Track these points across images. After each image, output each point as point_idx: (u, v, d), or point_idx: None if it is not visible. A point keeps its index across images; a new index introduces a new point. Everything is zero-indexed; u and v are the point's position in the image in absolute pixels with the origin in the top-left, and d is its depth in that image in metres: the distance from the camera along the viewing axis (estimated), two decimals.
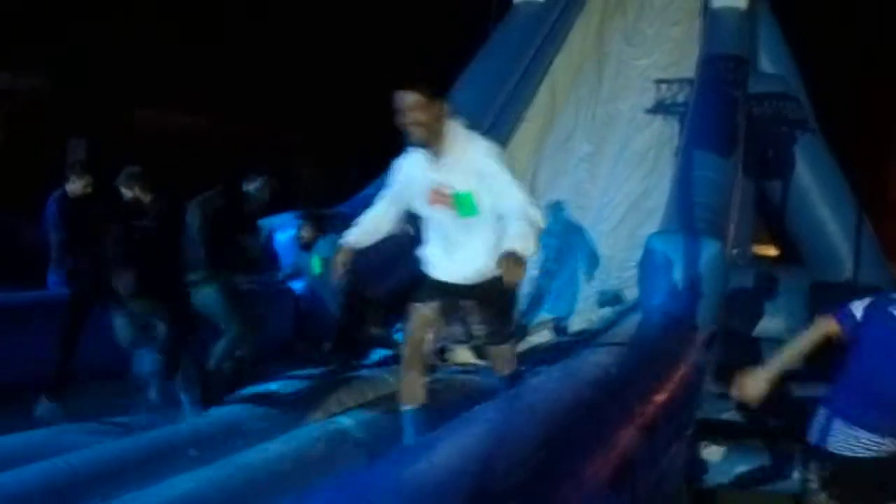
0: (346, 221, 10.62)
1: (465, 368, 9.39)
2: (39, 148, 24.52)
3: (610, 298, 11.42)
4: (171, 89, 28.70)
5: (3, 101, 25.89)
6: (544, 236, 13.09)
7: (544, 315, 11.59)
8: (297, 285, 10.61)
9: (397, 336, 10.46)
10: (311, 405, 7.41)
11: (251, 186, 9.22)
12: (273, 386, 7.94)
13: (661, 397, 6.15)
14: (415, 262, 6.58)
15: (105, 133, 25.27)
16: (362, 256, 6.71)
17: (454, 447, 4.35)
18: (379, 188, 11.75)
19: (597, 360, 6.33)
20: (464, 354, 10.01)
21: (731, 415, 10.36)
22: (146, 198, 8.66)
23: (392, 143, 13.02)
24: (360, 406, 7.43)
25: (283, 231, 10.03)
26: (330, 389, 7.80)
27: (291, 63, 31.29)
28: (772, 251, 19.68)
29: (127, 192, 9.46)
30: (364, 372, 8.61)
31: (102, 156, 22.96)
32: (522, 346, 10.48)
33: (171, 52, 29.03)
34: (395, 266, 10.44)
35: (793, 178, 16.60)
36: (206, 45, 30.03)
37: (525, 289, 12.26)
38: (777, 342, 12.65)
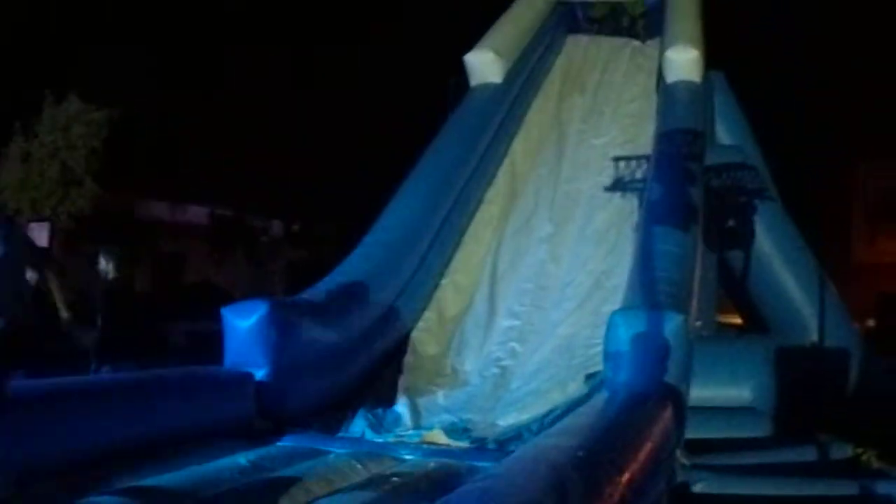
0: (311, 310, 10.75)
1: (438, 450, 9.37)
2: None
3: (576, 378, 11.43)
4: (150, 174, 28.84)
5: None
6: (508, 317, 13.23)
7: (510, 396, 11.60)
8: None
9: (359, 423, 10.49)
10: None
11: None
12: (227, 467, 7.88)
13: (630, 476, 6.16)
14: None
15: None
16: None
17: None
18: (343, 275, 11.93)
19: (564, 442, 6.34)
20: (437, 435, 10.02)
21: (702, 486, 10.44)
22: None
23: (361, 225, 13.17)
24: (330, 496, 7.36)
25: (242, 319, 10.00)
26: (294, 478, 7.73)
27: (264, 147, 31.57)
28: (736, 320, 19.84)
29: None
30: (333, 458, 8.55)
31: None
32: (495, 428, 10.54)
33: (149, 133, 29.21)
34: None
35: (754, 247, 16.76)
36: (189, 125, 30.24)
37: (490, 370, 12.31)
38: (745, 411, 12.84)
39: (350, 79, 32.33)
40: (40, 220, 24.10)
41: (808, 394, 14.52)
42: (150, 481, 7.13)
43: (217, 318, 10.12)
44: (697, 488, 10.50)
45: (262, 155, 31.90)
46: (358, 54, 32.31)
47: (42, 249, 13.58)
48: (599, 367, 10.38)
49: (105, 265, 13.61)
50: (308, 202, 31.60)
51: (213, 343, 10.64)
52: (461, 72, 17.14)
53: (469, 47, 17.17)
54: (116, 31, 29.14)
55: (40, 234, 23.08)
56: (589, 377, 11.26)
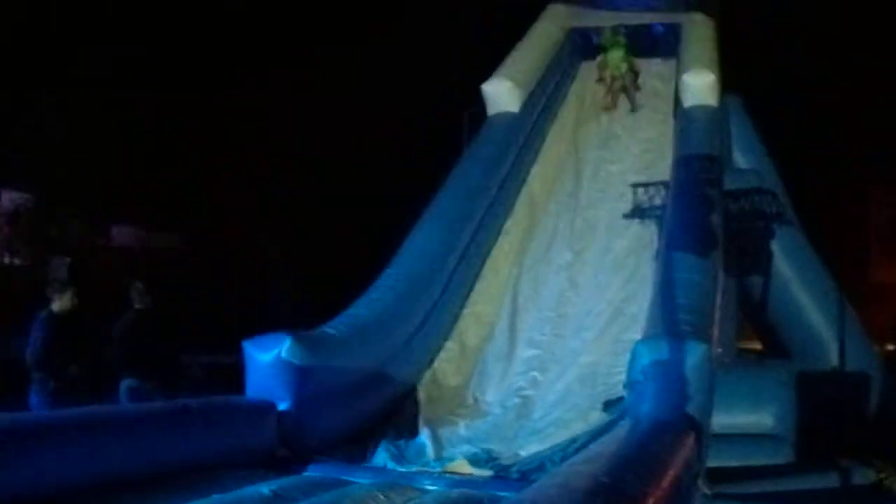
0: (333, 342, 10.77)
1: (461, 480, 9.36)
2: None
3: (598, 406, 11.40)
4: (148, 207, 28.95)
5: None
6: (529, 347, 13.20)
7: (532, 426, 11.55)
8: None
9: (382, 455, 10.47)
10: None
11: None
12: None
13: None
14: None
15: (84, 251, 25.47)
16: None
17: None
18: (365, 307, 11.94)
19: (588, 469, 6.34)
20: (461, 465, 10.00)
21: None
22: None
23: (372, 260, 13.20)
24: None
25: (264, 352, 10.01)
26: None
27: (270, 181, 31.57)
28: (756, 346, 19.79)
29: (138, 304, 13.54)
30: (355, 488, 8.55)
31: (82, 273, 23.22)
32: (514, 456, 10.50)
33: (148, 169, 29.34)
34: None
35: (773, 272, 16.73)
36: (183, 164, 30.32)
37: (512, 400, 12.28)
38: (766, 437, 12.80)
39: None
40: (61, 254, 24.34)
41: (829, 419, 14.48)
42: None
43: (232, 349, 10.16)
44: None
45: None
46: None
47: (64, 282, 14.05)
48: (620, 395, 10.39)
49: (134, 296, 14.10)
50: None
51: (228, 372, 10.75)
52: (477, 102, 17.19)
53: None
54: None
55: (60, 269, 23.32)
56: (607, 405, 11.24)
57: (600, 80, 19.06)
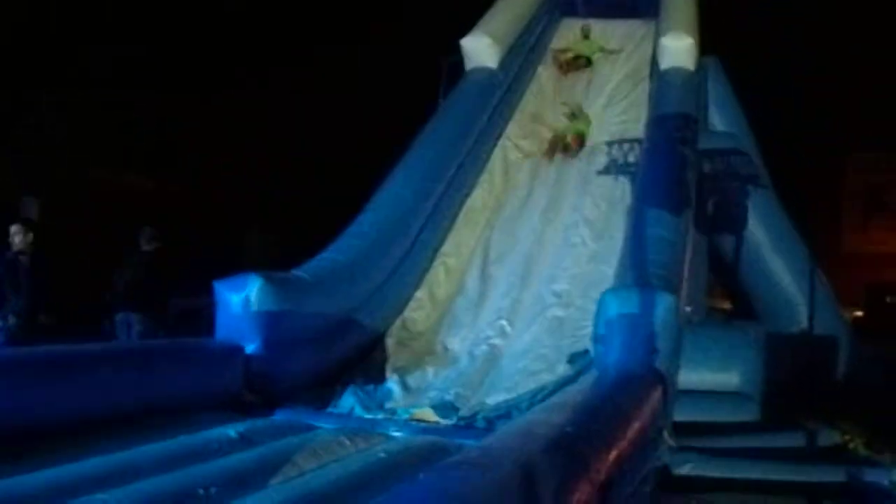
0: (304, 285, 10.76)
1: (427, 428, 9.39)
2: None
3: (565, 357, 11.42)
4: (126, 150, 28.82)
5: None
6: (499, 298, 13.22)
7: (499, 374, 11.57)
8: None
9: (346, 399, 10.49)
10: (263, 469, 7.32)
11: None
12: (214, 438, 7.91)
13: (617, 455, 6.19)
14: None
15: (58, 192, 25.34)
16: None
17: None
18: (336, 252, 11.93)
19: (552, 418, 6.36)
20: (425, 413, 10.02)
21: (689, 468, 10.51)
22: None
23: (342, 208, 13.17)
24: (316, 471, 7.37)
25: (234, 292, 10.00)
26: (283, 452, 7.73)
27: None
28: (726, 305, 19.89)
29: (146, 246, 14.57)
30: (321, 433, 8.56)
31: (55, 214, 23.12)
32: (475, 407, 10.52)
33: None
34: None
35: (745, 233, 16.78)
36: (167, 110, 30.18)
37: (481, 348, 12.29)
38: (733, 395, 12.88)
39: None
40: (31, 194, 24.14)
41: (796, 380, 14.58)
42: (138, 450, 7.16)
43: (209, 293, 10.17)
44: (684, 470, 10.56)
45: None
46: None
47: (34, 222, 14.04)
48: (589, 347, 10.43)
49: (142, 240, 14.50)
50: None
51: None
52: (456, 52, 17.11)
53: None
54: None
55: (30, 208, 23.18)
56: (573, 357, 11.27)
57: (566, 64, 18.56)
